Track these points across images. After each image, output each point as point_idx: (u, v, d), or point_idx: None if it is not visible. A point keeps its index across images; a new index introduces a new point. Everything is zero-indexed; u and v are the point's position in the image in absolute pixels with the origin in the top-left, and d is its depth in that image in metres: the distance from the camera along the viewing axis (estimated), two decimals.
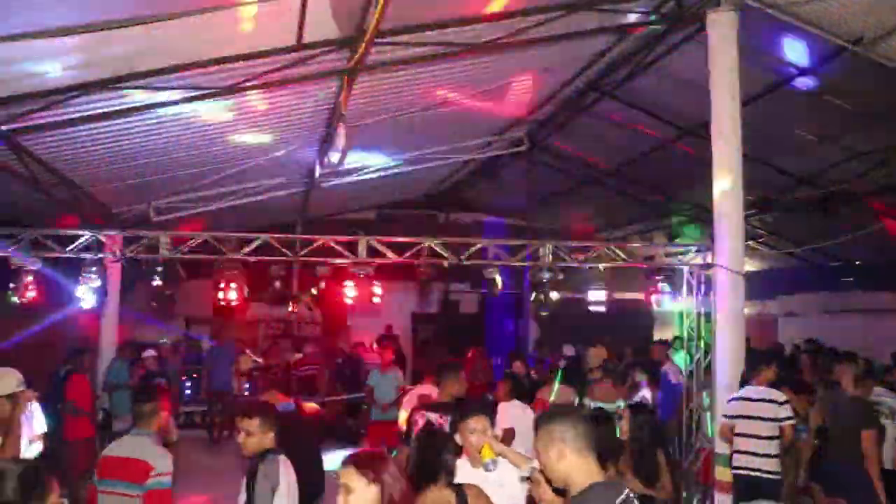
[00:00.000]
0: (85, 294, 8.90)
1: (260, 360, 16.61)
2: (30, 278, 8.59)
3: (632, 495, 3.23)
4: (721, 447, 7.80)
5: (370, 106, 10.14)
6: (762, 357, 8.17)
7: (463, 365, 7.61)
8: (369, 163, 13.49)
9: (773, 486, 7.21)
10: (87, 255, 8.62)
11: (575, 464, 3.24)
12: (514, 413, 7.50)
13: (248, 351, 16.35)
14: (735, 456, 7.37)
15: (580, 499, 3.17)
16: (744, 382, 7.59)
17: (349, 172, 13.59)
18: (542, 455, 3.31)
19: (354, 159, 12.82)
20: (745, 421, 7.28)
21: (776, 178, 12.27)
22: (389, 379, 11.58)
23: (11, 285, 8.60)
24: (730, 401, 7.51)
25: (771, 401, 7.22)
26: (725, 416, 7.52)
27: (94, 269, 8.68)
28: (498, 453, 4.53)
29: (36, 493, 3.12)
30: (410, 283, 10.65)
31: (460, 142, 13.74)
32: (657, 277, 9.41)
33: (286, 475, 4.76)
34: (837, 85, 9.48)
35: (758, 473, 7.17)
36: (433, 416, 6.49)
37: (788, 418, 7.21)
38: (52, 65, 6.86)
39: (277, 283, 9.57)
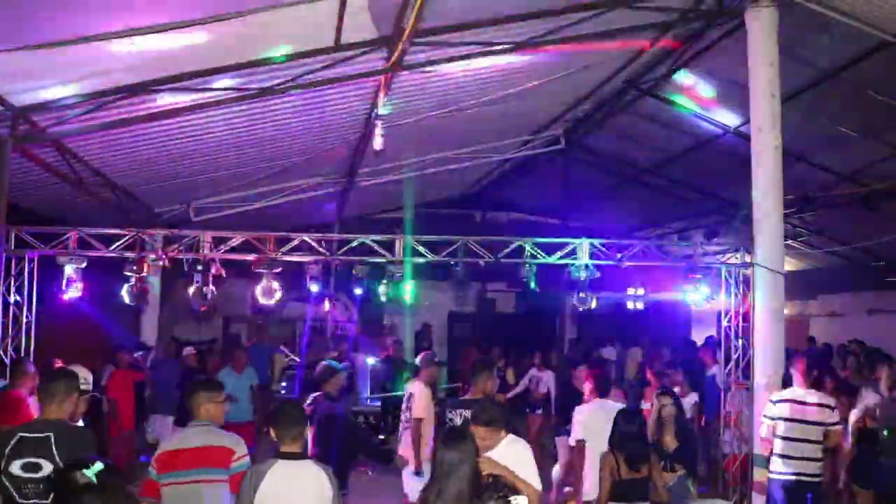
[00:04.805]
0: (127, 293, 9.02)
1: (297, 359, 16.80)
2: (74, 277, 8.73)
3: None
4: (759, 448, 7.70)
5: (407, 105, 10.18)
6: (814, 359, 8.09)
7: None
8: (406, 162, 13.53)
9: (819, 489, 7.15)
10: (130, 254, 8.76)
11: None
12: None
13: (284, 349, 16.55)
14: (784, 460, 7.11)
15: None
16: (786, 383, 7.47)
17: (386, 172, 13.66)
18: None
19: (391, 159, 12.89)
20: (799, 425, 7.07)
21: (817, 176, 12.09)
22: None
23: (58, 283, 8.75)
24: (777, 402, 7.26)
25: (825, 405, 7.12)
26: (771, 417, 7.26)
27: (135, 267, 8.80)
28: (491, 473, 4.43)
29: None
30: (447, 281, 10.68)
31: (497, 141, 13.73)
32: (695, 276, 9.31)
33: (269, 483, 4.43)
34: (880, 80, 9.32)
35: (810, 478, 7.03)
36: (468, 413, 6.50)
37: (838, 423, 7.13)
38: (95, 69, 6.99)
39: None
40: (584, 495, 7.02)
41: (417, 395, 8.26)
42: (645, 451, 5.98)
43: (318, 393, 7.83)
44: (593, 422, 7.04)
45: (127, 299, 8.99)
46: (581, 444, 7.13)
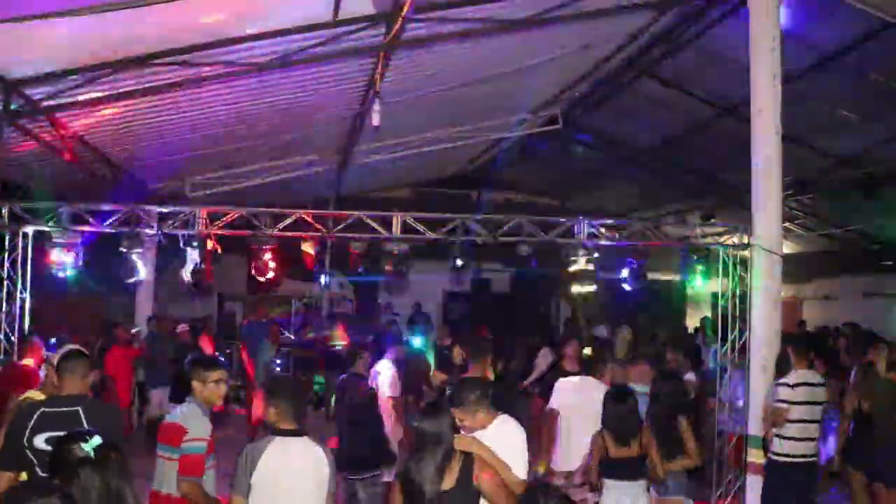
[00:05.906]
0: (122, 269, 8.98)
1: (291, 336, 16.80)
2: (69, 252, 8.67)
3: None
4: (755, 429, 7.70)
5: (405, 83, 10.09)
6: (811, 341, 8.13)
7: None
8: (403, 140, 13.45)
9: (816, 469, 7.31)
10: (124, 230, 8.70)
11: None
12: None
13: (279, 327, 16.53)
14: (794, 442, 7.04)
15: None
16: (787, 366, 7.42)
17: (383, 150, 13.58)
18: None
19: (388, 137, 12.81)
20: (813, 407, 7.06)
21: (816, 159, 12.05)
22: None
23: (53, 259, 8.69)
24: (795, 386, 7.08)
25: (825, 385, 7.24)
26: (792, 401, 7.06)
27: (129, 243, 8.74)
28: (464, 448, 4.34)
29: None
30: (443, 261, 10.65)
31: (494, 119, 13.64)
32: (693, 257, 9.29)
33: (266, 461, 4.40)
34: (882, 63, 9.26)
35: (813, 458, 7.10)
36: None
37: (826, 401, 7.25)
38: (89, 41, 6.90)
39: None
40: (553, 464, 7.22)
41: (384, 374, 8.38)
42: (632, 428, 5.98)
43: (352, 371, 7.87)
44: (570, 395, 7.26)
45: (122, 275, 8.96)
46: (554, 412, 7.29)
